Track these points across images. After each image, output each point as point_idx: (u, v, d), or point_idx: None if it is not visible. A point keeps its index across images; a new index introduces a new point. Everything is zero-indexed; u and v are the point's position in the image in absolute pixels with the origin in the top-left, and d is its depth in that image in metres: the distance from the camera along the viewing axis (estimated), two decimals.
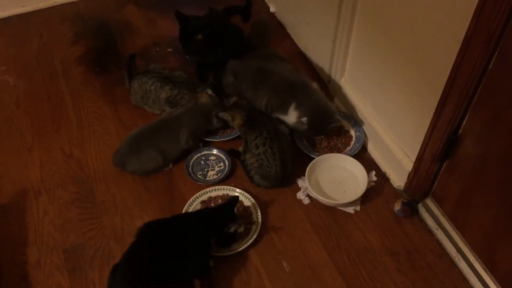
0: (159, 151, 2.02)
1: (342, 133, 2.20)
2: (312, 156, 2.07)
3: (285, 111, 2.06)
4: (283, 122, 2.14)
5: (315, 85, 2.10)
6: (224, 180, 2.06)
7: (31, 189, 2.03)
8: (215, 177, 2.07)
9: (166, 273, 1.58)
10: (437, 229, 1.87)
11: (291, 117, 2.05)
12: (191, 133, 2.09)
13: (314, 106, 2.03)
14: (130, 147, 2.03)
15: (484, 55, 1.39)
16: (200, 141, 2.16)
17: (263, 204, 1.97)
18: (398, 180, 2.02)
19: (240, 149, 2.10)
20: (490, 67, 1.42)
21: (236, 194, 1.98)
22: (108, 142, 2.18)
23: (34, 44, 2.67)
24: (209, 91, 2.17)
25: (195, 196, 1.96)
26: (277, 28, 2.74)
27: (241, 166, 2.08)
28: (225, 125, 2.17)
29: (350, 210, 1.96)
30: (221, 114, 2.09)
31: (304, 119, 2.01)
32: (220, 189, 2.00)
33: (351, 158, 2.06)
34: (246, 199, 1.96)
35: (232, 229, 1.80)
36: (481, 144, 1.59)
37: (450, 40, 1.48)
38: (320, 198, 1.94)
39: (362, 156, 2.13)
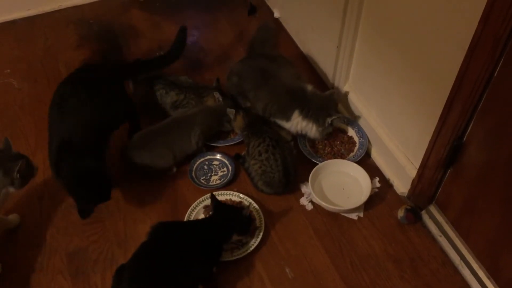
0: (171, 149, 2.03)
1: (345, 139, 2.20)
2: (316, 161, 2.07)
3: (286, 117, 2.07)
4: (284, 129, 2.14)
5: (310, 87, 2.12)
6: (227, 185, 2.05)
7: (35, 192, 2.03)
8: (218, 182, 2.07)
9: (171, 277, 1.58)
10: (440, 236, 1.87)
11: (302, 127, 2.07)
12: (203, 132, 2.10)
13: (319, 103, 2.06)
14: (145, 141, 2.03)
15: (490, 62, 1.38)
16: (204, 145, 2.17)
17: (266, 210, 1.97)
18: (402, 186, 2.01)
19: (244, 154, 2.10)
20: (495, 74, 1.42)
21: (239, 199, 1.98)
22: (112, 145, 2.18)
23: (39, 47, 2.68)
24: (216, 94, 2.17)
25: (198, 201, 1.96)
26: (282, 34, 2.75)
27: (245, 173, 2.08)
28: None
29: (354, 216, 1.96)
30: (228, 110, 2.11)
31: (328, 120, 2.04)
32: (223, 194, 1.99)
33: (355, 164, 2.05)
34: (249, 204, 1.96)
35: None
36: (485, 151, 1.59)
37: (455, 47, 1.48)
38: (323, 204, 1.94)
39: (366, 162, 2.13)
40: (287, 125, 2.10)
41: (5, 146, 1.75)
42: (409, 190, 1.96)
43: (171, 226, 1.77)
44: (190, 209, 1.94)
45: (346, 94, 2.22)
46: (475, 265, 1.75)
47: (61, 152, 1.81)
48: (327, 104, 2.08)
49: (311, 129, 2.08)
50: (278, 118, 2.11)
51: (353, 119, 2.23)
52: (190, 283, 1.63)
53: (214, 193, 1.97)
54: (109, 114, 1.95)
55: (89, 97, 1.89)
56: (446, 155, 1.70)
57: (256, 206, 1.95)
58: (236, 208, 1.85)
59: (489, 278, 1.70)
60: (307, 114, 2.04)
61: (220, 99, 2.18)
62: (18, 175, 1.68)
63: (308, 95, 2.08)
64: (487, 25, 1.33)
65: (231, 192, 2.00)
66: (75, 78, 1.98)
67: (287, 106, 2.07)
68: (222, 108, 2.16)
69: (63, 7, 2.91)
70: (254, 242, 1.85)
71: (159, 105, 2.24)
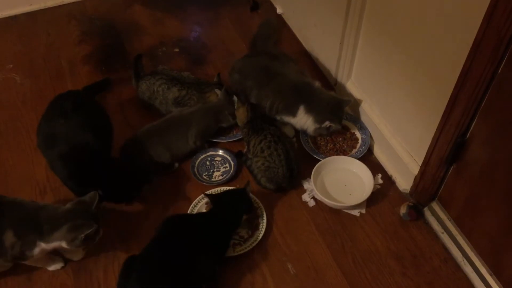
0: (167, 148, 2.03)
1: (348, 135, 2.20)
2: (318, 158, 2.07)
3: (292, 113, 2.07)
4: (287, 124, 2.14)
5: (317, 83, 2.11)
6: (229, 181, 2.06)
7: (37, 187, 2.03)
8: (220, 178, 2.07)
9: (180, 275, 1.59)
10: (442, 233, 1.87)
11: (303, 122, 2.06)
12: (200, 132, 2.09)
13: (326, 103, 2.05)
14: (141, 141, 2.03)
15: (493, 59, 1.38)
16: (206, 141, 2.16)
17: (268, 206, 1.97)
18: (404, 183, 2.01)
19: (245, 151, 2.10)
20: (499, 71, 1.41)
21: None
22: (114, 141, 2.18)
23: (41, 42, 2.68)
24: (218, 91, 2.17)
25: (200, 196, 1.96)
26: (284, 30, 2.75)
27: (248, 171, 2.08)
28: (237, 124, 2.17)
29: (356, 212, 1.96)
30: (235, 97, 2.11)
31: (327, 123, 2.03)
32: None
33: (357, 161, 2.05)
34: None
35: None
36: (489, 148, 1.58)
37: (459, 43, 1.48)
38: (326, 200, 1.94)
39: (368, 159, 2.13)
40: (293, 120, 2.10)
41: (89, 200, 1.66)
42: (412, 187, 1.96)
43: (182, 220, 1.78)
44: (192, 205, 1.94)
45: (358, 104, 2.20)
46: (477, 262, 1.75)
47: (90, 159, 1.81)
48: (335, 108, 2.06)
49: (306, 122, 2.07)
50: (285, 114, 2.10)
51: (355, 116, 2.23)
52: (196, 280, 1.63)
53: (215, 189, 1.98)
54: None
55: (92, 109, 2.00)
56: (449, 152, 1.70)
57: (259, 202, 1.95)
58: (235, 191, 1.87)
59: (491, 275, 1.70)
60: (310, 109, 2.04)
61: (220, 96, 2.18)
62: (82, 237, 1.59)
63: (315, 91, 2.07)
64: (491, 22, 1.33)
65: (233, 188, 2.00)
66: (67, 96, 2.02)
67: (293, 102, 2.06)
68: (219, 106, 2.15)
69: (65, 3, 2.91)
70: (256, 239, 1.85)
71: (147, 102, 2.27)
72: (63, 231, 1.58)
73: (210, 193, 1.92)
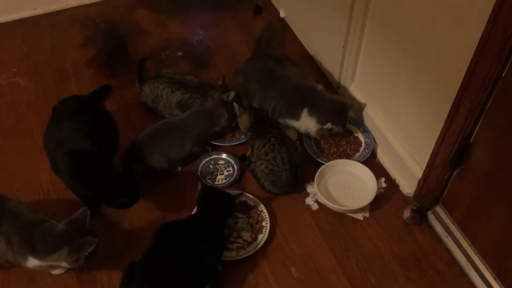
0: (164, 154, 2.02)
1: (351, 139, 2.19)
2: (322, 161, 2.07)
3: (295, 116, 2.07)
4: (291, 127, 2.14)
5: (320, 86, 2.11)
6: (232, 185, 2.05)
7: (41, 190, 2.04)
8: (223, 181, 2.07)
9: (182, 274, 1.60)
10: (446, 237, 1.86)
11: (307, 123, 2.06)
12: (196, 138, 2.08)
13: (329, 105, 2.05)
14: (139, 149, 2.02)
15: (498, 61, 1.38)
16: (209, 145, 2.17)
17: (271, 209, 1.97)
18: (408, 187, 2.01)
19: (249, 155, 2.10)
20: (503, 75, 1.41)
21: (245, 199, 1.98)
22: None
23: (45, 46, 2.69)
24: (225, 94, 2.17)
25: None
26: (287, 33, 2.75)
27: (251, 174, 2.07)
28: (232, 125, 2.17)
29: (359, 216, 1.95)
30: (234, 105, 2.10)
31: (329, 124, 2.02)
32: None
33: (361, 164, 2.05)
34: (255, 204, 1.96)
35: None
36: (493, 152, 1.58)
37: (463, 46, 1.48)
38: (329, 204, 1.94)
39: (372, 162, 2.12)
40: (297, 124, 2.10)
41: (81, 217, 1.66)
42: (415, 191, 1.96)
43: (175, 224, 1.77)
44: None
45: (362, 107, 2.20)
46: (481, 266, 1.74)
47: (85, 160, 1.80)
48: (338, 110, 2.06)
49: (309, 125, 2.07)
50: (288, 118, 2.11)
51: (359, 119, 2.22)
52: (199, 280, 1.63)
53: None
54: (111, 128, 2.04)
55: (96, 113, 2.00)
56: (453, 155, 1.70)
57: (262, 206, 1.95)
58: (227, 193, 1.87)
59: (495, 279, 1.70)
60: (313, 111, 2.04)
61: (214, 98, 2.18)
62: (86, 255, 1.60)
63: (318, 94, 2.07)
64: (496, 24, 1.33)
65: (236, 192, 2.00)
66: (71, 100, 2.02)
67: (296, 105, 2.07)
68: (214, 107, 2.14)
69: (69, 6, 2.93)
70: (260, 242, 1.85)
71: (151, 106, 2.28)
72: (64, 254, 1.60)
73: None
